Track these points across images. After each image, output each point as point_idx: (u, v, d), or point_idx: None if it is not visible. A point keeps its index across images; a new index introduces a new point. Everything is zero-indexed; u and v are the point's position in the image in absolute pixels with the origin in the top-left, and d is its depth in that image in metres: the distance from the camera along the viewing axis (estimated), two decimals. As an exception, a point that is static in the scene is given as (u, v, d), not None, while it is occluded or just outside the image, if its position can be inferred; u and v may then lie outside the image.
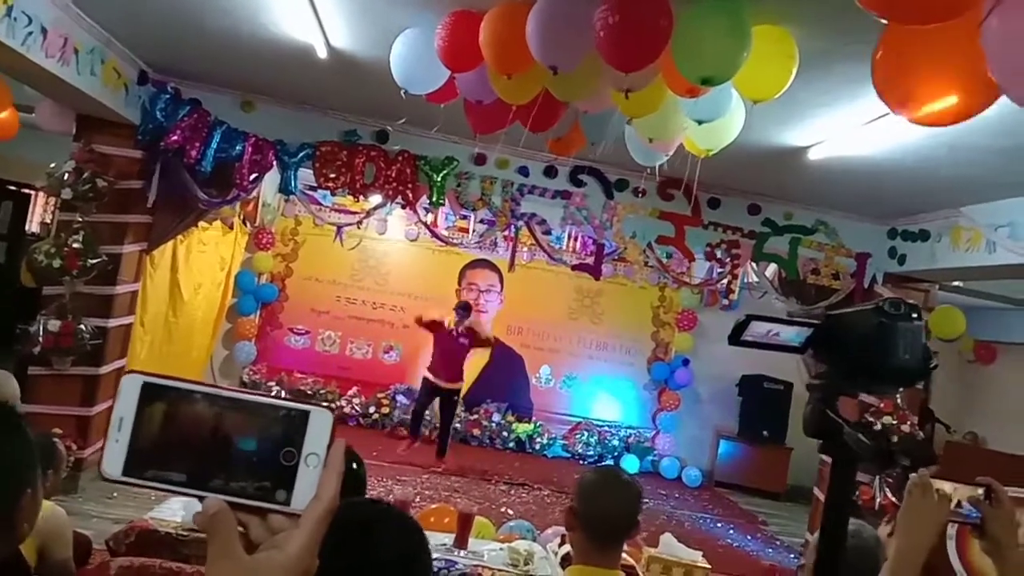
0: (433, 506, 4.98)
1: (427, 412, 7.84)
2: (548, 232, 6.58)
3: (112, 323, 5.54)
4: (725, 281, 7.44)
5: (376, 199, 6.07)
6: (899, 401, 5.80)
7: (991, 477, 1.31)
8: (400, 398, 8.92)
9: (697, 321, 9.55)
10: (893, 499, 5.47)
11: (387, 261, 9.40)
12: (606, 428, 9.43)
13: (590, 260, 6.56)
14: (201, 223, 6.63)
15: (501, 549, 3.62)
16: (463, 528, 3.58)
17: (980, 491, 1.30)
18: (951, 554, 3.30)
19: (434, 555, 3.06)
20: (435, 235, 7.10)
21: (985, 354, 8.85)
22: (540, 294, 9.51)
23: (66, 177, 5.05)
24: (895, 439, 5.64)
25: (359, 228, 6.96)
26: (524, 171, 6.00)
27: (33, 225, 8.86)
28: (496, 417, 9.17)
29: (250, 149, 5.61)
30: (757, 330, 1.03)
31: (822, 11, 2.91)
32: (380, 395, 9.01)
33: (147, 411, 0.62)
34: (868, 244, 6.20)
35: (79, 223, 5.17)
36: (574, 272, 7.33)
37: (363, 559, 1.10)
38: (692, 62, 2.74)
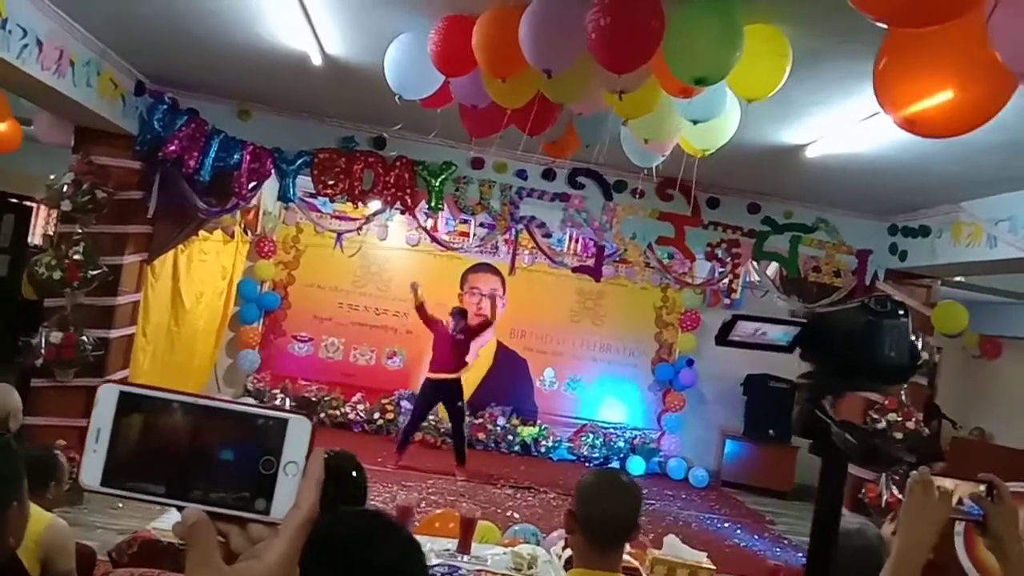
0: (438, 511, 4.96)
1: (431, 414, 7.83)
2: (548, 235, 6.57)
3: (114, 334, 5.56)
4: (727, 281, 7.42)
5: (375, 205, 6.08)
6: (903, 398, 5.78)
7: (997, 473, 1.31)
8: (404, 403, 8.90)
9: (700, 321, 9.50)
10: (900, 496, 5.45)
11: (389, 267, 9.40)
12: (611, 430, 9.39)
13: (591, 262, 6.54)
14: (202, 232, 6.65)
15: (504, 553, 3.60)
16: (466, 533, 3.57)
17: (982, 487, 1.29)
18: (959, 551, 3.29)
19: (436, 560, 3.08)
20: (436, 240, 7.11)
21: (991, 349, 8.79)
22: (542, 297, 9.50)
23: (65, 189, 5.08)
24: (900, 436, 5.62)
25: (359, 234, 6.95)
26: (522, 174, 6.00)
27: (35, 238, 8.88)
28: (501, 421, 9.15)
29: (248, 157, 5.63)
30: (744, 330, 1.02)
31: (814, 10, 2.92)
32: (384, 401, 9.01)
33: (124, 421, 0.62)
34: (869, 241, 6.19)
35: (79, 235, 5.19)
36: (575, 274, 7.31)
37: (351, 573, 1.05)
38: (684, 63, 2.74)
